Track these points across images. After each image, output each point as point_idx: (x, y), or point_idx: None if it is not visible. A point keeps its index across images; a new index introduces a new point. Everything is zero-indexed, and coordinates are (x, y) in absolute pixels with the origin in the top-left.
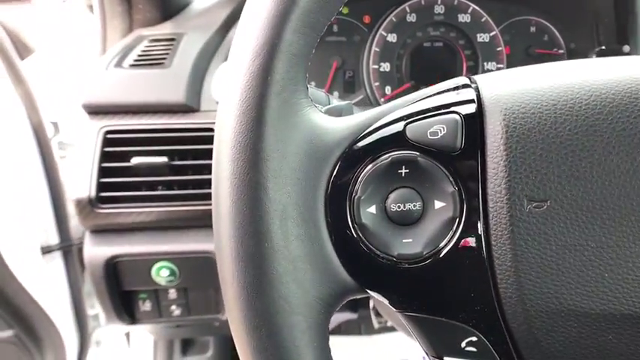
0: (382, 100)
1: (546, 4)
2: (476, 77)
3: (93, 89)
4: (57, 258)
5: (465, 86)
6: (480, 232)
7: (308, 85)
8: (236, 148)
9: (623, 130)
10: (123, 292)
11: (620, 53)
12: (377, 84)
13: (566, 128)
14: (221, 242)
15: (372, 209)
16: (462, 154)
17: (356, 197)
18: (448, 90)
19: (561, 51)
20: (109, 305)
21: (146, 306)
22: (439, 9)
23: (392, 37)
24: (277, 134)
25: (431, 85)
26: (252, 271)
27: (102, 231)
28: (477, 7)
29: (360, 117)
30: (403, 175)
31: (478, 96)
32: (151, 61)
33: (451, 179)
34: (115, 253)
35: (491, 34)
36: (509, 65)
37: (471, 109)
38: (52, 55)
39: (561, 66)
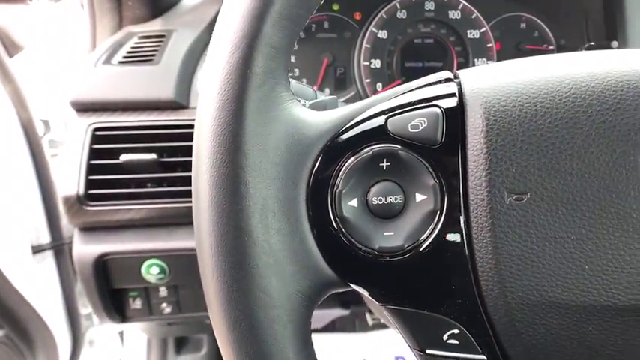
0: None
1: (536, 1)
2: (459, 71)
3: (81, 86)
4: (49, 257)
5: (447, 80)
6: (461, 225)
7: (296, 81)
8: (215, 142)
9: (603, 122)
10: (113, 290)
11: (609, 49)
12: (368, 81)
13: (547, 121)
14: (201, 236)
15: (354, 202)
16: (443, 148)
17: (337, 191)
18: (431, 84)
19: (551, 47)
20: (98, 303)
21: (137, 304)
22: (429, 5)
23: (383, 34)
24: (257, 127)
25: None
26: (232, 265)
27: (91, 229)
28: (467, 4)
29: (342, 111)
30: (385, 168)
31: (460, 90)
32: (141, 57)
33: (432, 172)
34: (105, 251)
35: (482, 30)
36: (501, 60)
37: (452, 102)
38: (43, 53)
39: (543, 60)
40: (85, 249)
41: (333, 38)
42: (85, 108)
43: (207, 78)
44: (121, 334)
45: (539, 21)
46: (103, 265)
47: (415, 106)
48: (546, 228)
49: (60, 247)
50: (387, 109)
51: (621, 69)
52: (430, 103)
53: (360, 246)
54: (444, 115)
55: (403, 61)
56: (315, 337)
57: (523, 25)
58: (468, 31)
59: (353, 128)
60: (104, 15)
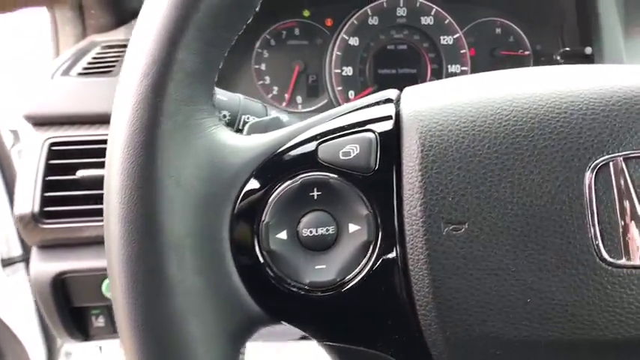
0: None
1: (511, 6)
2: (405, 90)
3: (37, 99)
4: (20, 270)
5: (387, 101)
6: (396, 257)
7: (245, 97)
8: (124, 176)
9: (545, 147)
10: (74, 309)
11: (583, 55)
12: (340, 88)
13: (485, 146)
14: (113, 277)
15: (283, 235)
16: (377, 175)
17: (264, 223)
18: (369, 105)
19: (527, 52)
20: (58, 323)
21: (99, 322)
22: (401, 11)
23: (354, 41)
24: (171, 159)
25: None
26: (144, 310)
27: (49, 246)
28: (439, 10)
29: (271, 136)
30: (315, 197)
31: (397, 112)
32: (101, 68)
33: (365, 201)
34: (63, 269)
35: (455, 36)
36: (475, 67)
37: (387, 126)
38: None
39: (486, 78)
40: (43, 267)
41: (305, 45)
42: (41, 122)
43: (116, 107)
44: (100, 345)
45: (514, 26)
46: (61, 284)
47: (347, 132)
48: (486, 260)
49: None
50: (318, 135)
51: (565, 89)
52: (364, 128)
53: (289, 281)
54: (378, 141)
55: (376, 68)
56: (294, 346)
57: (498, 31)
58: (441, 37)
59: (282, 155)
60: (66, 24)
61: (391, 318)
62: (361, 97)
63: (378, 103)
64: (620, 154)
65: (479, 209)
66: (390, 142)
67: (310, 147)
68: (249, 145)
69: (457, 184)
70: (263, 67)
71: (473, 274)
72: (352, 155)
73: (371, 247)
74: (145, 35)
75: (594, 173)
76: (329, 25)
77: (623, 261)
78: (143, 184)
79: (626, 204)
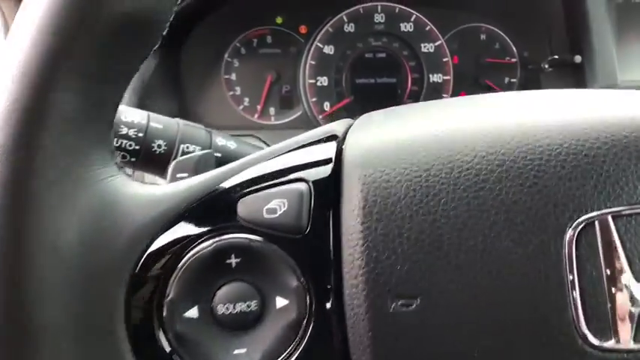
0: (320, 117)
1: (497, 11)
2: (355, 123)
3: None
4: None
5: (329, 139)
6: (333, 339)
7: (186, 122)
8: None
9: (515, 203)
10: None
11: (572, 63)
12: (314, 100)
13: (441, 201)
14: None
15: (193, 313)
16: (309, 237)
17: (169, 299)
18: (306, 145)
19: (514, 59)
20: None
21: None
22: (379, 18)
23: (329, 49)
24: (43, 224)
25: (375, 101)
26: None
27: None
28: (420, 15)
29: (181, 186)
30: (234, 265)
31: (339, 154)
32: None
33: (296, 270)
34: None
35: (437, 43)
36: (458, 75)
37: (324, 172)
38: None
39: (449, 109)
40: None
41: (277, 54)
42: None
43: None
44: None
45: (500, 32)
46: None
47: (274, 182)
48: (442, 341)
49: None
50: (238, 186)
51: (540, 127)
52: (294, 177)
53: None
54: (312, 193)
55: (353, 78)
56: None
57: (483, 37)
58: (422, 45)
59: (193, 212)
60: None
61: None
62: (337, 108)
63: (318, 142)
64: (607, 210)
65: (434, 280)
66: (327, 195)
67: (228, 201)
68: (153, 199)
69: (407, 249)
70: (233, 77)
71: (427, 359)
72: (279, 213)
73: (302, 327)
74: (10, 69)
75: (576, 235)
76: (303, 33)
77: (611, 343)
78: (11, 260)
79: (616, 272)
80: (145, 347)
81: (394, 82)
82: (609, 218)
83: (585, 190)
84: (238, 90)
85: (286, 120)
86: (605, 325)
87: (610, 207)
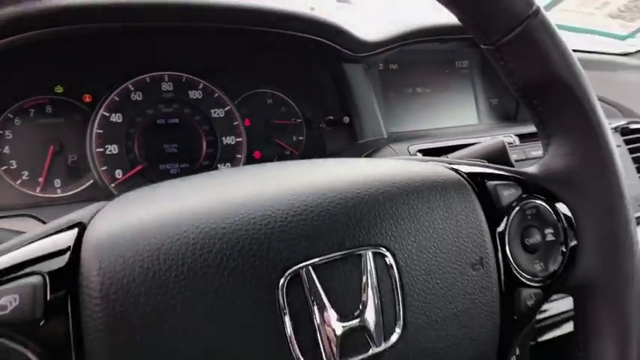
0: (113, 185)
1: (278, 78)
2: (107, 205)
3: None
4: None
5: (73, 226)
6: None
7: None
8: None
9: (235, 267)
10: None
11: (343, 123)
12: (104, 169)
13: (172, 275)
14: None
15: None
16: (46, 326)
17: None
18: (49, 235)
19: (299, 120)
20: None
21: None
22: (167, 86)
23: (117, 117)
24: None
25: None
26: None
27: None
28: (207, 84)
29: None
30: None
31: (78, 241)
32: None
33: (38, 356)
34: None
35: (226, 109)
36: (251, 136)
37: (61, 262)
38: None
39: (188, 185)
40: None
41: (60, 123)
42: None
43: None
44: None
45: (284, 97)
46: None
47: (7, 278)
48: None
49: None
50: None
51: (253, 200)
52: (28, 270)
53: None
54: (47, 284)
55: (146, 144)
56: None
57: (270, 101)
58: (212, 110)
59: None
60: None
61: None
62: (130, 175)
63: (60, 231)
64: (307, 262)
65: (172, 347)
66: (64, 284)
67: None
68: None
69: (146, 321)
70: (7, 150)
71: None
72: (9, 309)
73: None
74: None
75: (286, 284)
76: (87, 102)
77: None
78: None
79: (320, 308)
80: None
81: (189, 146)
82: (310, 268)
83: (289, 249)
84: (14, 164)
85: (75, 191)
86: (317, 353)
87: (310, 259)
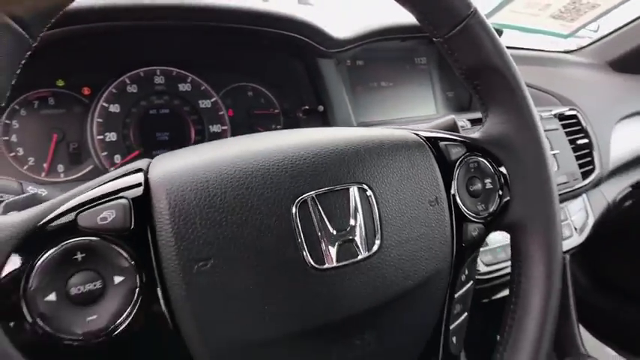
0: (112, 169)
1: (257, 73)
2: (153, 161)
3: None
4: None
5: (137, 171)
6: (159, 297)
7: None
8: None
9: (262, 195)
10: None
11: (317, 111)
12: (105, 154)
13: (218, 199)
14: None
15: (52, 297)
16: (134, 233)
17: (31, 289)
18: (121, 176)
19: (277, 110)
20: None
21: None
22: (159, 79)
23: (115, 108)
24: None
25: (163, 151)
26: None
27: None
28: (195, 77)
29: (29, 212)
30: (80, 259)
31: (146, 180)
32: None
33: (126, 256)
34: None
35: (212, 100)
36: (235, 125)
37: (138, 192)
38: None
39: (218, 146)
40: None
41: (62, 114)
42: None
43: None
44: None
45: (263, 89)
46: None
47: (103, 200)
48: (230, 283)
49: None
50: (76, 206)
51: (273, 151)
52: (117, 196)
53: (64, 336)
54: (131, 205)
55: (141, 132)
56: None
57: (250, 94)
58: (200, 101)
59: (43, 228)
60: None
61: (168, 353)
62: (128, 160)
63: (129, 173)
64: (312, 192)
65: (220, 246)
66: (142, 204)
67: (69, 217)
68: (7, 222)
69: (200, 230)
70: (14, 138)
71: (224, 297)
72: (109, 220)
73: (137, 292)
74: None
75: (297, 208)
76: (87, 94)
77: (325, 266)
78: None
79: (322, 225)
80: (15, 326)
81: (179, 134)
82: (314, 196)
83: (299, 183)
84: (21, 151)
85: (77, 175)
86: (320, 255)
87: (313, 190)
